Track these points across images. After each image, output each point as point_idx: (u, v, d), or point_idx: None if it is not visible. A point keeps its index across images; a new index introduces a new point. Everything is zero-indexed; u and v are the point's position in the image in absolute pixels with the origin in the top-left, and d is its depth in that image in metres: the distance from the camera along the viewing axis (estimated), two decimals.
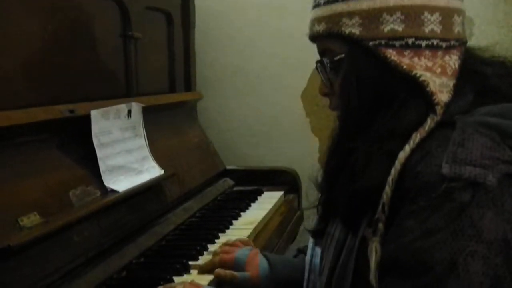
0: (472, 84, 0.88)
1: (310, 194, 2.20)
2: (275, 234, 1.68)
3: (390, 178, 0.80)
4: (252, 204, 1.81)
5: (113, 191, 1.34)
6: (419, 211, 0.76)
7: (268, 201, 1.86)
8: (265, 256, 1.21)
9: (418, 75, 0.84)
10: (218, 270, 1.16)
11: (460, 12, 0.90)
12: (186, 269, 1.24)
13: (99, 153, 1.34)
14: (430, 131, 0.82)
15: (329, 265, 0.93)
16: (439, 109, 0.83)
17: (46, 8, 1.31)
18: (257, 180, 2.08)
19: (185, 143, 1.91)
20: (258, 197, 1.90)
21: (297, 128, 2.36)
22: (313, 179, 1.05)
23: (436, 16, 0.87)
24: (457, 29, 0.89)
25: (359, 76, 0.89)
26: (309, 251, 1.12)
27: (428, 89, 0.84)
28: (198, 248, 1.34)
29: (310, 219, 2.22)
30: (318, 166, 2.32)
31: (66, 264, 1.10)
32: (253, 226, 1.57)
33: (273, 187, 2.04)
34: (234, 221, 1.62)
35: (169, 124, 1.84)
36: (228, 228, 1.55)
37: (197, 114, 2.15)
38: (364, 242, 0.85)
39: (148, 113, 1.60)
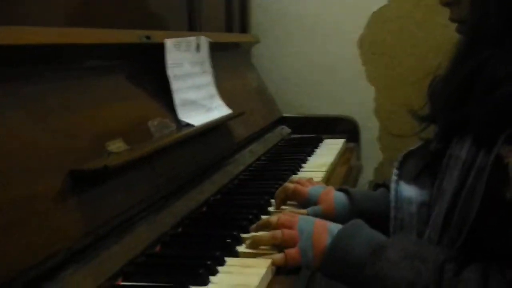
0: None
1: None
2: (343, 182, 1.60)
3: None
4: (316, 150, 1.73)
5: (188, 125, 1.26)
6: None
7: (331, 147, 1.78)
8: (342, 189, 1.13)
9: None
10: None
11: None
12: (269, 205, 1.17)
13: (173, 86, 1.26)
14: None
15: (453, 189, 0.85)
16: None
17: None
18: (314, 128, 2.00)
19: (245, 86, 1.82)
20: (320, 144, 1.82)
21: (353, 76, 2.25)
22: (430, 95, 0.96)
23: None
24: None
25: None
26: (393, 186, 1.04)
27: None
28: (277, 186, 1.26)
29: (367, 171, 2.15)
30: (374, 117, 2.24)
31: (152, 195, 1.04)
32: (325, 169, 1.49)
33: (332, 135, 1.95)
34: (303, 164, 1.54)
35: (227, 65, 1.75)
36: (298, 170, 1.48)
37: (251, 58, 2.05)
38: (499, 161, 0.76)
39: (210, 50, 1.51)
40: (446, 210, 0.85)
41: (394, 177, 1.06)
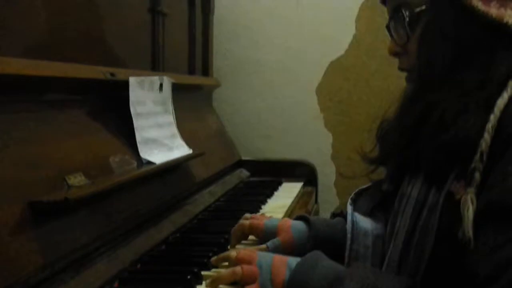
0: None
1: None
2: None
3: (489, 125, 0.76)
4: (275, 192, 1.75)
5: (149, 163, 1.26)
6: None
7: (290, 190, 1.80)
8: (300, 217, 1.14)
9: (510, 23, 0.81)
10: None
11: None
12: (228, 244, 1.17)
13: (135, 123, 1.27)
14: None
15: (406, 227, 0.88)
16: None
17: None
18: (272, 172, 2.02)
19: (205, 128, 1.84)
20: (279, 187, 1.84)
21: (311, 123, 2.31)
22: (379, 138, 1.00)
23: None
24: None
25: (443, 27, 0.86)
26: (349, 218, 1.06)
27: None
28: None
29: (324, 215, 2.18)
30: (331, 162, 2.28)
31: (112, 230, 1.02)
32: (284, 210, 1.50)
33: (290, 178, 1.97)
34: (262, 206, 1.55)
35: (189, 107, 1.77)
36: (258, 211, 1.48)
37: (212, 102, 2.08)
38: (450, 198, 0.80)
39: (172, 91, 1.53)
40: (401, 247, 0.87)
41: (349, 210, 1.09)
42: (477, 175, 0.76)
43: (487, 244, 0.71)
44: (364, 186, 1.15)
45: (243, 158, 2.05)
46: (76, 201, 0.88)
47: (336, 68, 2.27)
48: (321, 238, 1.07)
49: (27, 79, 0.92)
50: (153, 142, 1.33)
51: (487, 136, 0.76)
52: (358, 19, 2.24)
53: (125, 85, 1.26)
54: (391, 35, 0.95)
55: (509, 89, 0.78)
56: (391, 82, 2.17)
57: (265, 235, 1.13)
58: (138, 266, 1.03)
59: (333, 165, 2.30)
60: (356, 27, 2.25)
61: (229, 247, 1.16)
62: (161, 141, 1.38)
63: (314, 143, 2.31)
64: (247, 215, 1.23)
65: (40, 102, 0.99)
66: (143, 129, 1.30)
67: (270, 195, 1.68)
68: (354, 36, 2.26)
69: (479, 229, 0.73)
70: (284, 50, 2.31)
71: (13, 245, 0.78)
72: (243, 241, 1.17)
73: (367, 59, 2.24)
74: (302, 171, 2.03)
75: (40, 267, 0.81)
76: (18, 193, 0.84)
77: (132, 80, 1.27)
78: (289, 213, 1.56)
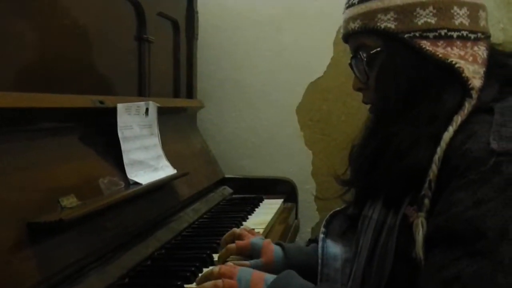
0: (497, 74, 0.95)
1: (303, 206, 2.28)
2: (281, 239, 1.70)
3: (436, 157, 0.86)
4: (256, 209, 1.84)
5: (135, 183, 1.35)
6: (469, 184, 0.80)
7: (270, 207, 1.89)
8: (278, 243, 1.24)
9: (453, 62, 0.92)
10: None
11: (484, 8, 0.99)
12: (210, 260, 1.26)
13: (123, 146, 1.36)
14: (468, 114, 0.89)
15: (368, 246, 0.97)
16: (474, 94, 0.90)
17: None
18: (254, 189, 2.11)
19: (189, 148, 1.93)
20: (260, 203, 1.93)
21: (291, 141, 2.41)
22: (350, 162, 1.10)
23: (464, 10, 0.95)
24: (482, 23, 0.98)
25: (396, 67, 0.96)
26: (320, 244, 1.16)
27: (463, 75, 0.91)
28: (218, 241, 1.35)
29: (303, 230, 2.27)
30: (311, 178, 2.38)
31: (101, 248, 1.11)
32: (263, 227, 1.59)
33: (272, 195, 2.07)
34: (243, 222, 1.64)
35: (174, 128, 1.86)
36: (239, 227, 1.57)
37: (196, 122, 2.18)
38: (405, 221, 0.90)
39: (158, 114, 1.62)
40: (364, 265, 0.97)
41: (321, 235, 1.19)
42: (426, 201, 0.86)
43: (436, 263, 0.80)
44: (338, 208, 1.25)
45: (226, 176, 2.14)
46: (69, 221, 0.97)
47: (315, 89, 2.38)
48: (296, 265, 1.16)
49: (24, 111, 1.01)
50: (139, 163, 1.43)
51: (434, 167, 0.86)
52: (335, 42, 2.35)
53: (113, 111, 1.35)
54: (354, 72, 1.05)
55: (454, 124, 0.88)
56: None
57: (250, 251, 1.22)
58: (126, 280, 1.12)
59: (313, 181, 2.40)
60: (333, 50, 2.36)
61: (219, 253, 1.26)
62: (147, 163, 1.47)
63: (294, 160, 2.41)
64: (236, 230, 1.33)
65: (35, 131, 1.07)
66: (130, 152, 1.39)
67: (251, 211, 1.77)
68: (332, 59, 2.37)
69: (428, 250, 0.83)
70: (265, 72, 2.41)
71: (13, 262, 0.86)
72: (231, 256, 1.27)
73: (345, 80, 2.35)
74: (283, 188, 2.13)
75: (37, 282, 0.90)
76: (16, 215, 0.92)
77: (120, 107, 1.37)
78: (269, 229, 1.65)
